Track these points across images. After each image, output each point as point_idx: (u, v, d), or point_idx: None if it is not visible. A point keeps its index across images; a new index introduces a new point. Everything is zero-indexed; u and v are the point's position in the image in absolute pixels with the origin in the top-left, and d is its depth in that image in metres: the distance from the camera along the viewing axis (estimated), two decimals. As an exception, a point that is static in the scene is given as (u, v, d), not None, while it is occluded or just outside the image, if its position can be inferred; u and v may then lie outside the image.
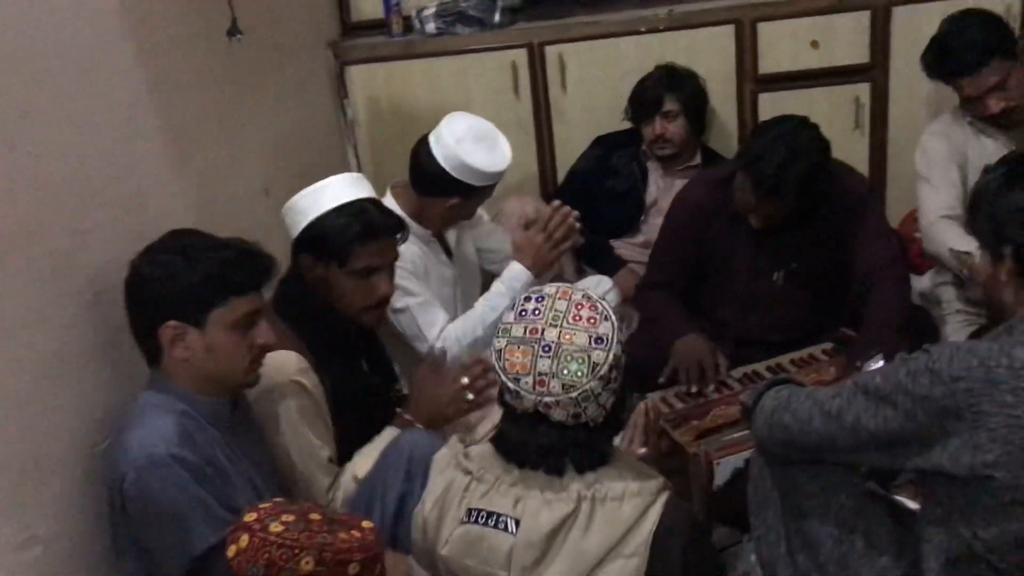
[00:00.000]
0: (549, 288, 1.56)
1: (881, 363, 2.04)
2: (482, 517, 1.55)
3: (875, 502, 1.65)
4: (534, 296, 1.55)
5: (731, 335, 2.59)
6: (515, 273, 2.43)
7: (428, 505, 1.61)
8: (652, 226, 3.12)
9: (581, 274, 3.05)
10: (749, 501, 1.66)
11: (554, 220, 2.42)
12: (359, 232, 2.01)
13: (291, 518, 1.33)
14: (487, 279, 2.67)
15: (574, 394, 1.46)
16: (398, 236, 2.09)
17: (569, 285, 1.59)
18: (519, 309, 1.54)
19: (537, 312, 1.51)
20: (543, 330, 1.48)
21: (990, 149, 2.62)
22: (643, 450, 2.18)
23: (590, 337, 1.48)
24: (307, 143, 3.03)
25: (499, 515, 1.53)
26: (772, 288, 2.60)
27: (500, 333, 1.53)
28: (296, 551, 1.29)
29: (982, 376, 1.31)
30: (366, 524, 1.40)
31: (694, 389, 2.45)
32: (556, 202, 2.51)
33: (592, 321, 1.49)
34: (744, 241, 2.56)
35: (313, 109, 3.15)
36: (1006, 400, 1.30)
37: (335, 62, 3.32)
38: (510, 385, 1.50)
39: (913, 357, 1.40)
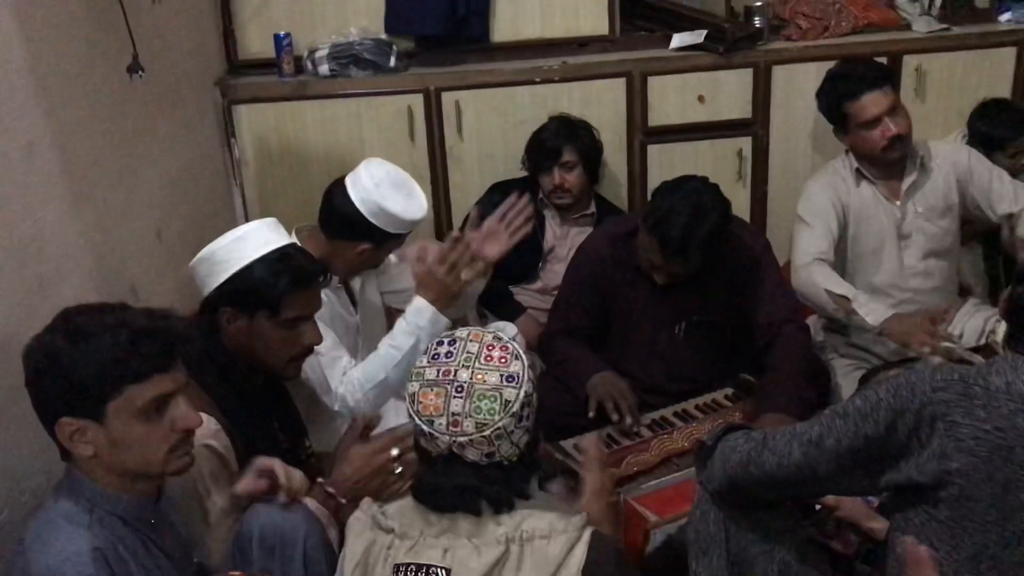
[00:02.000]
0: (461, 332, 1.57)
1: None
2: (411, 571, 1.51)
3: (816, 550, 1.70)
4: (447, 340, 1.55)
5: (635, 384, 2.62)
6: (418, 309, 2.31)
7: (348, 570, 1.55)
8: (549, 272, 3.16)
9: (483, 319, 3.04)
10: (690, 545, 1.68)
11: (455, 250, 2.32)
12: (290, 281, 1.95)
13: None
14: (393, 323, 2.60)
15: (487, 432, 1.47)
16: (321, 281, 2.04)
17: (480, 328, 1.60)
18: (432, 353, 1.54)
19: (450, 355, 1.52)
20: (455, 371, 1.50)
21: (868, 198, 2.79)
22: None
23: (501, 376, 1.50)
24: (198, 184, 2.91)
25: (428, 567, 1.51)
26: (674, 340, 2.66)
27: (413, 377, 1.53)
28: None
29: (961, 390, 1.40)
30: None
31: (615, 418, 2.47)
32: (454, 232, 2.44)
33: (503, 360, 1.51)
34: (646, 294, 2.62)
35: (203, 149, 3.02)
36: (978, 415, 1.38)
37: (222, 100, 3.22)
38: (424, 428, 1.50)
39: (894, 374, 1.46)
